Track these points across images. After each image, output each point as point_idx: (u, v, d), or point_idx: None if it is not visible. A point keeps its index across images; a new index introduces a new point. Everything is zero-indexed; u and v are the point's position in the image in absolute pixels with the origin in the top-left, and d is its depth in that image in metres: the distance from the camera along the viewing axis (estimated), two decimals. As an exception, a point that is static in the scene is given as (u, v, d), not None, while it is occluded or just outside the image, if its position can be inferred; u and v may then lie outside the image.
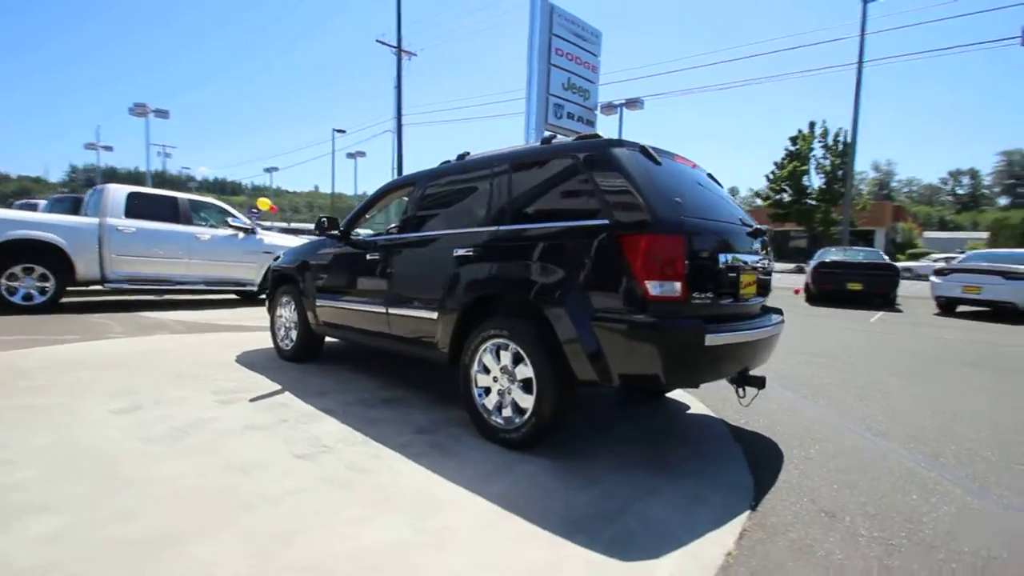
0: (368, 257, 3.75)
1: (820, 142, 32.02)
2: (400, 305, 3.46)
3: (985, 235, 47.76)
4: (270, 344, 5.23)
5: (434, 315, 3.18)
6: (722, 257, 2.56)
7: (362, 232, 4.66)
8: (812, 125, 32.76)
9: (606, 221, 2.46)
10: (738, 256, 2.67)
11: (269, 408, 3.30)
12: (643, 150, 2.70)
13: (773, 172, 33.18)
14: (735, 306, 2.70)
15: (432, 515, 2.07)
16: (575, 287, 2.50)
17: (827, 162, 31.66)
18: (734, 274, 2.65)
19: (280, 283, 4.91)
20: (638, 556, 1.86)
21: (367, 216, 4.26)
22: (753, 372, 2.90)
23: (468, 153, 3.55)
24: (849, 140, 31.28)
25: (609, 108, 20.41)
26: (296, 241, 9.88)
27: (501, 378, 2.84)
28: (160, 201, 8.07)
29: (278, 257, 5.17)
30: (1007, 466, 2.86)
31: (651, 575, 1.76)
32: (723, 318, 2.58)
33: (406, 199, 4.02)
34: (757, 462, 2.79)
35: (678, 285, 2.32)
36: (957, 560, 1.94)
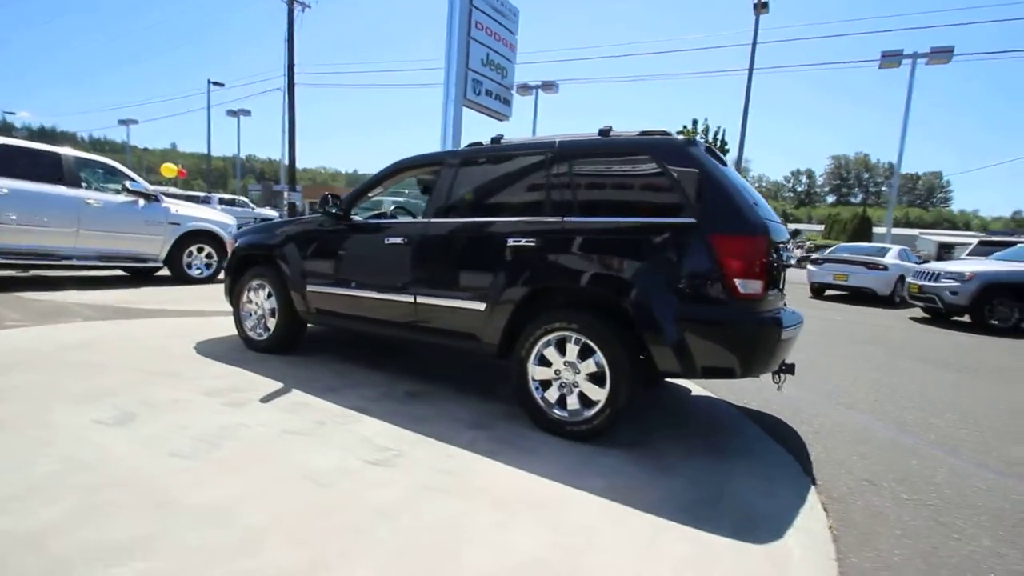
0: (389, 241, 3.45)
1: (703, 138, 35.17)
2: (433, 295, 3.26)
3: (820, 227, 56.35)
4: (222, 332, 4.66)
5: (480, 306, 3.06)
6: (782, 255, 2.78)
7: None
8: (695, 122, 35.77)
9: (693, 220, 2.54)
10: (786, 254, 2.91)
11: (291, 409, 2.96)
12: (708, 149, 2.81)
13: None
14: (781, 299, 2.96)
15: (559, 516, 2.05)
16: (660, 283, 2.56)
17: (708, 157, 34.96)
18: (783, 271, 2.90)
19: (246, 265, 4.34)
20: (767, 538, 2.01)
21: (370, 195, 3.90)
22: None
23: (502, 136, 3.41)
24: (725, 138, 35.09)
25: (524, 89, 20.52)
26: (202, 210, 8.73)
27: (564, 371, 2.83)
28: (37, 157, 6.62)
29: (237, 236, 4.57)
30: (958, 429, 3.50)
31: (789, 554, 1.92)
32: (778, 312, 2.82)
33: (419, 178, 3.77)
34: (781, 439, 3.12)
35: (760, 283, 2.48)
36: (981, 513, 2.37)
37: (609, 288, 2.67)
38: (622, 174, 2.87)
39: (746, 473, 2.59)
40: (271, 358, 4.00)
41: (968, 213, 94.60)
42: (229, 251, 4.56)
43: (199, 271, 8.25)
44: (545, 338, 2.85)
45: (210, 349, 4.13)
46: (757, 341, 2.48)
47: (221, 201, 23.59)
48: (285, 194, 27.52)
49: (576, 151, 2.97)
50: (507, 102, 20.65)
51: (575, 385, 2.80)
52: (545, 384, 2.90)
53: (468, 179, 3.35)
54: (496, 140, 3.40)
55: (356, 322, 3.72)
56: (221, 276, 8.59)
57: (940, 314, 9.19)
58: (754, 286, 2.47)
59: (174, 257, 7.90)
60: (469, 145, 3.51)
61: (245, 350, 4.19)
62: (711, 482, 2.45)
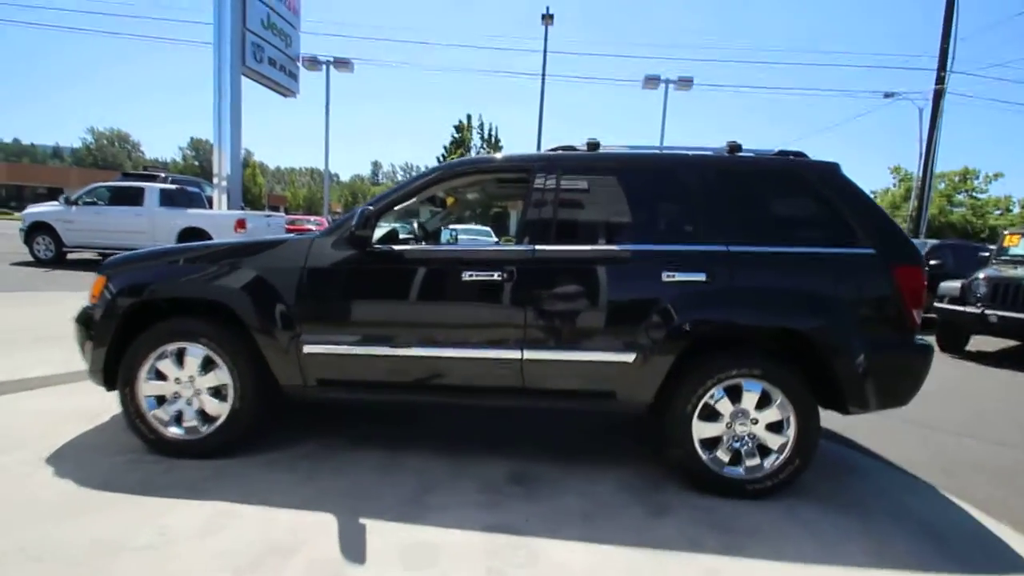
0: (470, 277, 2.46)
1: (479, 133, 36.80)
2: (552, 347, 2.46)
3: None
4: (45, 436, 2.76)
5: (627, 357, 2.43)
6: None
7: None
8: (469, 117, 37.22)
9: (872, 250, 2.46)
10: None
11: (424, 562, 1.87)
12: None
13: (443, 155, 36.31)
14: None
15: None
16: (853, 318, 2.42)
17: (485, 153, 36.74)
18: None
19: (141, 319, 2.62)
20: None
21: (395, 208, 2.71)
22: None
23: (599, 143, 2.75)
24: (498, 135, 37.44)
25: (313, 63, 17.94)
26: None
27: (735, 423, 2.47)
28: None
29: (110, 270, 2.74)
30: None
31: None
32: None
33: (481, 189, 2.85)
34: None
35: (920, 312, 2.56)
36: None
37: (801, 326, 2.41)
38: (780, 198, 2.62)
39: (883, 477, 2.70)
40: (227, 467, 2.51)
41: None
42: (95, 293, 2.67)
43: None
44: (715, 388, 2.44)
45: (94, 475, 2.37)
46: (927, 368, 2.56)
47: None
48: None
49: (720, 169, 2.59)
50: (293, 76, 18.11)
51: (752, 437, 2.48)
52: (714, 442, 2.49)
53: (578, 194, 2.62)
54: (593, 147, 2.74)
55: (406, 392, 2.60)
56: None
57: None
58: (920, 315, 2.53)
59: None
60: (554, 150, 2.75)
61: (149, 459, 2.54)
62: (903, 516, 2.45)
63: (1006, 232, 7.89)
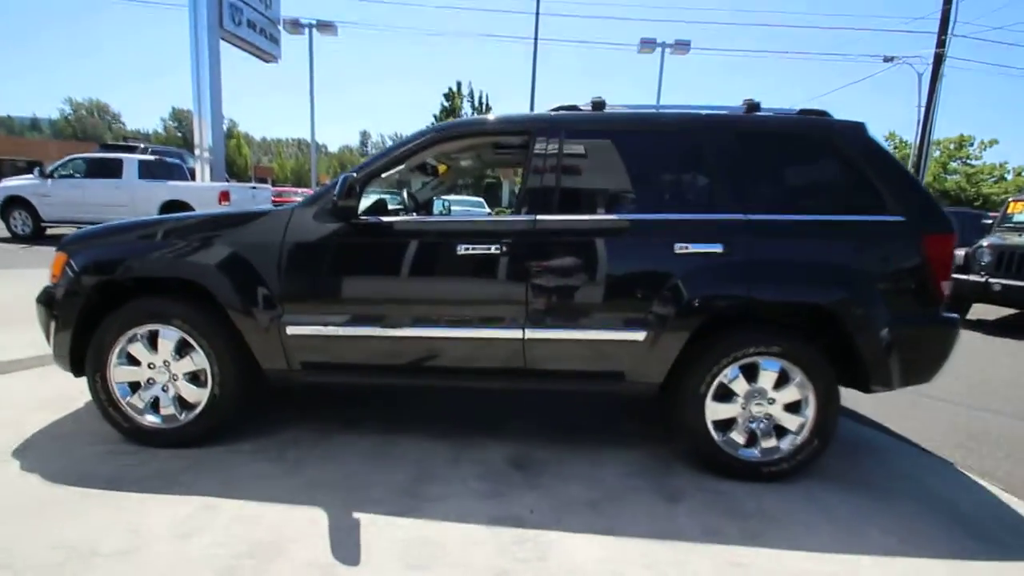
0: (465, 251, 2.25)
1: (468, 101, 35.83)
2: (556, 326, 2.28)
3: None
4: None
5: (637, 336, 2.26)
6: None
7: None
8: (459, 85, 36.19)
9: (902, 218, 2.27)
10: None
11: (422, 561, 1.72)
12: None
13: (432, 124, 35.44)
14: None
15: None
16: (877, 291, 2.25)
17: (475, 120, 35.84)
18: None
19: (107, 300, 2.40)
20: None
21: (383, 176, 2.48)
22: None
23: (604, 102, 2.51)
24: (489, 102, 36.54)
25: (295, 26, 17.13)
26: None
27: (751, 404, 2.33)
28: None
29: (71, 245, 2.50)
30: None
31: None
32: None
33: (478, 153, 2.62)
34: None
35: (948, 284, 2.40)
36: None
37: (827, 301, 2.23)
38: (799, 160, 2.42)
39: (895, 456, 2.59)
40: (208, 456, 2.35)
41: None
42: (56, 272, 2.45)
43: None
44: (730, 367, 2.29)
45: (65, 469, 2.20)
46: (953, 343, 2.41)
47: None
48: None
49: (738, 130, 2.37)
50: (275, 40, 17.32)
51: (768, 417, 2.34)
52: (727, 423, 2.35)
53: (583, 159, 2.40)
54: (599, 106, 2.50)
55: (398, 375, 2.42)
56: None
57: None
58: (947, 288, 2.37)
59: None
60: (557, 110, 2.51)
61: (126, 449, 2.37)
62: (923, 496, 2.34)
63: (1011, 199, 7.73)
